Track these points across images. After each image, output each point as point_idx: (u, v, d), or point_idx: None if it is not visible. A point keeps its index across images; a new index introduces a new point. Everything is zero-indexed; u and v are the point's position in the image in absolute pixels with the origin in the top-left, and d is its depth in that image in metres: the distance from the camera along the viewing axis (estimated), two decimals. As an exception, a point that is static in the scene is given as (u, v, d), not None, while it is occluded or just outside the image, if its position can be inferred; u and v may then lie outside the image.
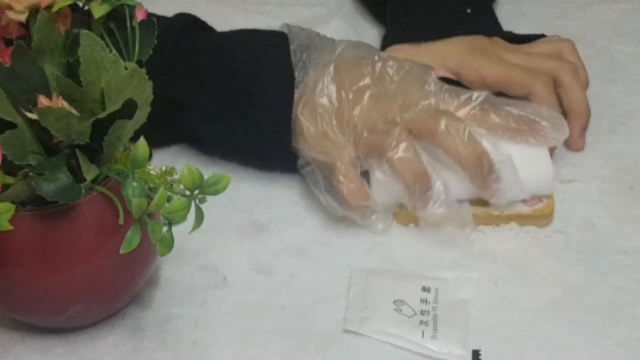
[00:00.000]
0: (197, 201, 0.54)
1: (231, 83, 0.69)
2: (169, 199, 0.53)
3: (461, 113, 0.67)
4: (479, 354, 0.59)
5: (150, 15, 0.58)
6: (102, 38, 0.55)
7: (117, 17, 0.57)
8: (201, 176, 0.53)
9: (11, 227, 0.51)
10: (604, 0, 0.89)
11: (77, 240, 0.55)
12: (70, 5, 0.55)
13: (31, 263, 0.55)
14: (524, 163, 0.66)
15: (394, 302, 0.62)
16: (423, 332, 0.60)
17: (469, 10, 0.78)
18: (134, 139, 0.54)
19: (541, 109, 0.68)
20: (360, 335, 0.61)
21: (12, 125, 0.54)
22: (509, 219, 0.67)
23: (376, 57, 0.69)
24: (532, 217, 0.67)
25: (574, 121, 0.72)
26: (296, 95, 0.68)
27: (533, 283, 0.64)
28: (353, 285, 0.64)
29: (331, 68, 0.68)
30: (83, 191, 0.53)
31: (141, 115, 0.55)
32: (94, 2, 0.55)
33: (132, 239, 0.54)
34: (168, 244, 0.54)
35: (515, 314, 0.62)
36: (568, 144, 0.73)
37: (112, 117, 0.53)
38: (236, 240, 0.68)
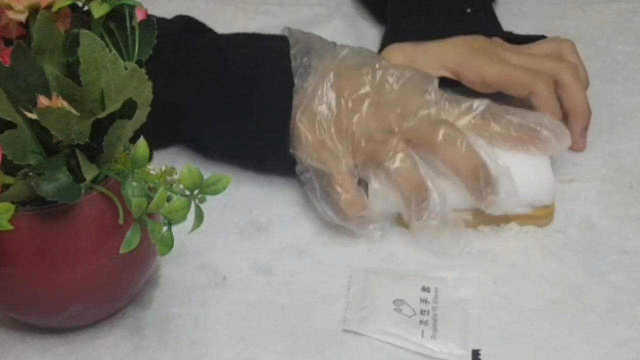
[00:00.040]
0: (197, 201, 0.54)
1: (231, 86, 0.68)
2: (169, 199, 0.53)
3: (462, 122, 0.67)
4: (479, 354, 0.59)
5: (150, 16, 0.58)
6: (102, 38, 0.55)
7: (117, 17, 0.57)
8: (201, 176, 0.53)
9: (11, 227, 0.51)
10: (604, 0, 0.89)
11: (77, 240, 0.55)
12: (70, 5, 0.55)
13: (31, 263, 0.55)
14: (524, 173, 0.65)
15: (394, 302, 0.62)
16: (423, 332, 0.60)
17: (469, 10, 0.78)
18: (134, 139, 0.54)
19: (543, 118, 0.67)
20: (360, 335, 0.61)
21: (12, 125, 0.54)
22: (509, 219, 0.67)
23: (377, 65, 0.68)
24: (532, 217, 0.67)
25: (574, 122, 0.72)
26: (295, 102, 0.68)
27: (533, 283, 0.64)
28: (353, 285, 0.64)
29: (331, 75, 0.67)
30: (83, 191, 0.53)
31: (141, 115, 0.55)
32: (94, 2, 0.55)
33: (132, 239, 0.54)
34: (168, 244, 0.54)
35: (515, 314, 0.62)
36: (569, 145, 0.73)
37: (112, 117, 0.53)
38: (236, 240, 0.68)
